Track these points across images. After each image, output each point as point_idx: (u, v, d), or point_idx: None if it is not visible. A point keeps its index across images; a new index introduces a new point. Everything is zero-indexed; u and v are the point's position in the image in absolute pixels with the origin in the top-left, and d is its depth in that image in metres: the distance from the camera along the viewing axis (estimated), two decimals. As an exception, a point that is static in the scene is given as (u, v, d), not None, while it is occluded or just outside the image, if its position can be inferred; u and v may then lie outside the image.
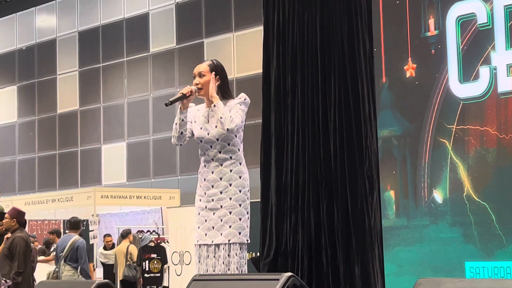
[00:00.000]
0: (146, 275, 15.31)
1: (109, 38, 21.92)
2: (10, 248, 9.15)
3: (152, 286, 15.48)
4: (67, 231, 12.98)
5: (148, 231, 16.70)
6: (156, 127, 20.59)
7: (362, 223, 7.83)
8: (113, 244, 16.05)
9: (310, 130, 8.32)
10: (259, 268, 8.62)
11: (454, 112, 7.38)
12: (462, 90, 7.36)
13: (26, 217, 15.74)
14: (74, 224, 12.49)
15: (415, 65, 7.72)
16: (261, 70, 9.02)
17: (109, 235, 16.35)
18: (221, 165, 5.58)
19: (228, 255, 5.52)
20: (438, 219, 7.45)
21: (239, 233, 5.52)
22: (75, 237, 12.05)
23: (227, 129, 5.50)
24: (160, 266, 15.31)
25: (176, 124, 5.74)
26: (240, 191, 5.53)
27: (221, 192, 5.56)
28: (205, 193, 5.66)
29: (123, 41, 21.55)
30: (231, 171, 5.56)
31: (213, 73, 5.72)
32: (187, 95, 5.69)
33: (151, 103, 20.84)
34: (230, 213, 5.53)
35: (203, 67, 5.78)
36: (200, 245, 5.68)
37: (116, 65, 21.69)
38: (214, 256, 5.57)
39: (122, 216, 18.90)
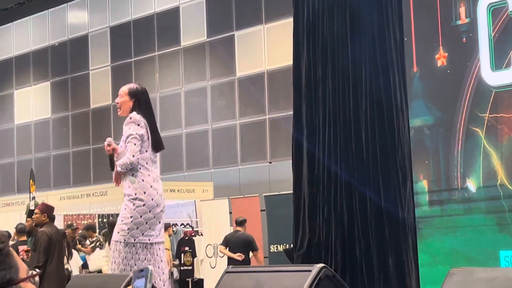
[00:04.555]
0: (182, 268, 15.43)
1: (140, 32, 22.01)
2: (35, 243, 9.35)
3: (187, 279, 15.60)
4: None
5: (182, 224, 16.76)
6: (189, 121, 20.66)
7: (395, 213, 7.81)
8: None
9: (342, 121, 8.31)
10: (293, 260, 8.63)
11: (486, 100, 7.32)
12: (494, 78, 7.29)
13: (61, 212, 15.88)
14: None
15: (446, 54, 7.67)
16: (292, 62, 9.01)
17: None
18: (125, 174, 6.49)
19: (111, 250, 6.56)
20: (472, 208, 7.41)
21: (118, 233, 6.44)
22: None
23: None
24: (191, 259, 15.40)
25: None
26: (126, 198, 6.46)
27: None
28: None
29: (155, 35, 21.62)
30: (125, 180, 6.49)
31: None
32: (109, 152, 6.61)
33: (183, 97, 20.91)
34: (119, 216, 6.57)
35: (123, 89, 6.70)
36: None
37: (148, 60, 21.77)
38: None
39: (156, 210, 18.98)
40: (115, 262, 6.43)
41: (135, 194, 6.45)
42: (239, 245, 13.30)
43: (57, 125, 24.30)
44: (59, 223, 14.35)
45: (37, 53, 25.03)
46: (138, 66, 22.04)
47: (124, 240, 6.41)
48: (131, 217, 6.42)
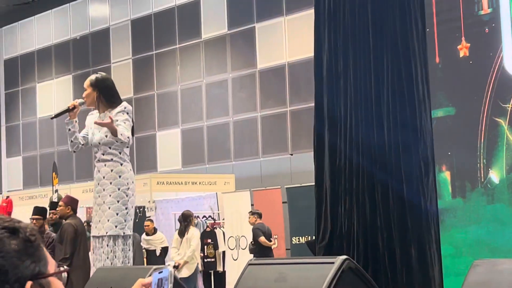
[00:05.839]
0: (205, 260, 15.49)
1: (161, 25, 22.06)
2: (61, 235, 9.35)
3: (210, 271, 15.65)
4: None
5: (204, 216, 16.80)
6: (210, 113, 20.69)
7: (418, 204, 7.78)
8: (154, 229, 16.10)
9: (363, 112, 8.28)
10: (315, 252, 8.62)
11: (509, 91, 7.28)
12: (517, 68, 7.24)
13: (84, 205, 15.97)
14: None
15: (468, 45, 7.62)
16: (313, 54, 8.99)
17: (149, 220, 16.33)
18: (105, 165, 6.50)
19: (107, 245, 6.42)
20: (495, 199, 7.37)
21: (116, 226, 6.39)
22: None
23: (121, 142, 6.41)
24: (213, 251, 15.45)
25: (67, 133, 6.68)
26: (118, 189, 6.43)
27: (104, 189, 6.47)
28: (95, 189, 6.59)
29: (175, 28, 21.66)
30: (111, 170, 6.47)
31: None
32: (70, 108, 6.61)
33: (204, 89, 20.94)
34: (109, 208, 6.41)
35: (85, 82, 6.72)
36: (92, 237, 6.62)
37: (169, 52, 21.82)
38: (101, 247, 6.47)
39: (178, 202, 19.04)
40: (115, 256, 6.44)
41: (127, 184, 6.49)
42: (271, 235, 13.97)
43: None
44: (82, 216, 14.42)
45: (59, 46, 25.15)
46: (159, 59, 22.10)
47: (123, 233, 6.45)
48: (126, 208, 6.46)
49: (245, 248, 15.17)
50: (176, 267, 13.37)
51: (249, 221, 14.16)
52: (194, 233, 13.60)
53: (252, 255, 13.77)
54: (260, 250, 13.61)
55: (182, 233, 13.66)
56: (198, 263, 13.66)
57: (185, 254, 13.42)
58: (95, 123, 6.41)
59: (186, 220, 13.69)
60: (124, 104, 6.64)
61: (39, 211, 11.09)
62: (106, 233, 6.44)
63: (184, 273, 13.40)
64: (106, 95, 6.68)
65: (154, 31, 22.24)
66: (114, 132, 6.35)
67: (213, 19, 20.82)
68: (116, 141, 6.48)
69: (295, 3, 18.70)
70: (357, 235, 8.18)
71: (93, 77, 6.78)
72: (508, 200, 7.26)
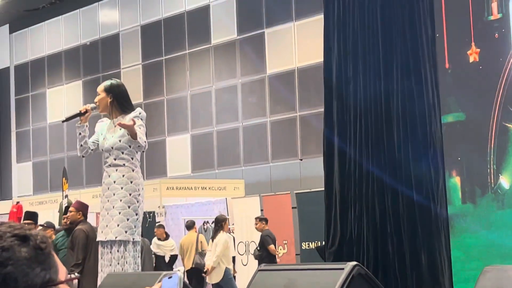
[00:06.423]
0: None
1: (171, 31, 22.10)
2: (72, 241, 9.33)
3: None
4: None
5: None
6: (219, 118, 20.70)
7: (428, 210, 7.76)
8: (166, 234, 16.08)
9: (373, 117, 8.27)
10: (325, 258, 8.61)
11: (520, 96, 7.26)
12: (527, 73, 7.23)
13: (94, 210, 15.98)
14: None
15: (478, 50, 7.61)
16: (322, 59, 8.99)
17: (161, 226, 16.31)
18: (116, 170, 6.47)
19: (117, 251, 6.40)
20: (505, 204, 7.35)
21: (125, 232, 6.36)
22: None
23: (138, 146, 6.39)
24: None
25: (77, 137, 6.68)
26: (130, 194, 6.41)
27: (114, 194, 6.43)
28: (103, 194, 6.56)
29: (185, 33, 21.69)
30: (123, 176, 6.43)
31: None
32: (82, 112, 6.65)
33: (214, 95, 20.96)
34: (119, 213, 6.38)
35: (99, 87, 6.77)
36: (99, 242, 6.58)
37: (179, 58, 21.85)
38: (110, 252, 6.43)
39: (187, 207, 19.05)
40: (126, 262, 6.43)
41: (138, 189, 6.50)
42: (275, 242, 13.98)
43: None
44: (92, 221, 14.45)
45: (69, 52, 25.21)
46: (169, 64, 22.14)
47: (133, 239, 6.46)
48: (136, 214, 6.46)
49: (254, 253, 15.16)
50: (205, 272, 13.49)
51: (257, 227, 14.15)
52: (221, 239, 13.56)
53: (256, 260, 13.81)
54: (266, 257, 13.64)
55: (213, 237, 13.69)
56: (226, 268, 13.58)
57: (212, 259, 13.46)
58: (118, 124, 6.39)
59: (217, 225, 13.69)
60: (139, 109, 6.66)
61: (30, 216, 11.09)
62: (116, 237, 6.40)
63: (214, 279, 13.41)
64: (120, 100, 6.70)
65: (164, 36, 22.28)
66: (134, 136, 6.33)
67: (223, 24, 20.85)
68: (130, 146, 6.48)
69: (305, 9, 18.70)
70: (367, 240, 8.17)
71: (107, 82, 6.80)
72: (519, 205, 7.25)
